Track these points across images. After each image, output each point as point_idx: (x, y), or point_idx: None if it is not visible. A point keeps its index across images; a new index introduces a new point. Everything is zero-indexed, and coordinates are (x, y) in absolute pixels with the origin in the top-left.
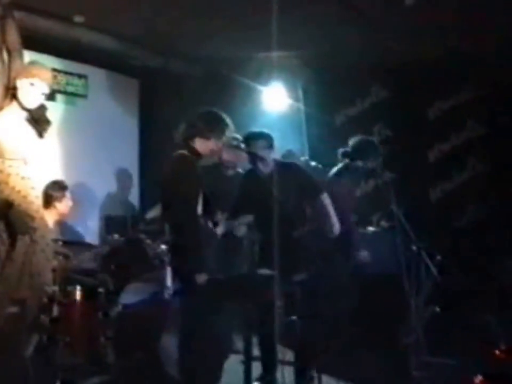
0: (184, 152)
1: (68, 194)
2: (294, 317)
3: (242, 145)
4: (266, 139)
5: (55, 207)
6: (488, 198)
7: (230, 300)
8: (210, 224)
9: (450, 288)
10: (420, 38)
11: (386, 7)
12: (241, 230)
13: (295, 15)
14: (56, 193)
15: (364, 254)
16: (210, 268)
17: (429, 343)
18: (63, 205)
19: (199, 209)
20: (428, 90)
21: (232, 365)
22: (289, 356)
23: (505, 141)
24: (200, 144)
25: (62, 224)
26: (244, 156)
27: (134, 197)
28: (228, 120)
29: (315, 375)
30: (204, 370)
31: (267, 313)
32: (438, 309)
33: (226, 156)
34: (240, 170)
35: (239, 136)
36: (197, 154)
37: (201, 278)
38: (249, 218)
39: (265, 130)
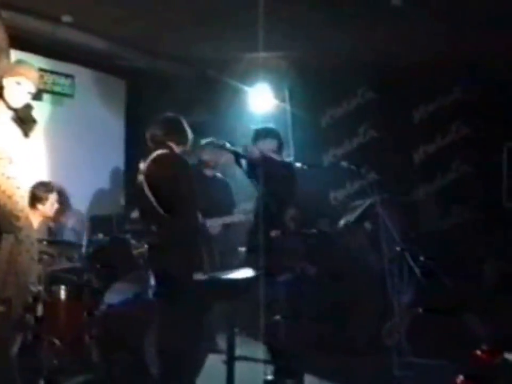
0: (168, 151)
1: (53, 196)
2: (277, 317)
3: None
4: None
5: (38, 208)
6: (472, 199)
7: (213, 300)
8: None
9: (433, 290)
10: (406, 39)
11: (373, 8)
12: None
13: (282, 16)
14: (40, 194)
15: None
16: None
17: (412, 343)
18: (47, 207)
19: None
20: (413, 92)
21: (215, 365)
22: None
23: (489, 143)
24: (175, 147)
25: (49, 224)
26: (226, 156)
27: (120, 196)
28: (187, 129)
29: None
30: (184, 369)
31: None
32: (420, 310)
33: (206, 156)
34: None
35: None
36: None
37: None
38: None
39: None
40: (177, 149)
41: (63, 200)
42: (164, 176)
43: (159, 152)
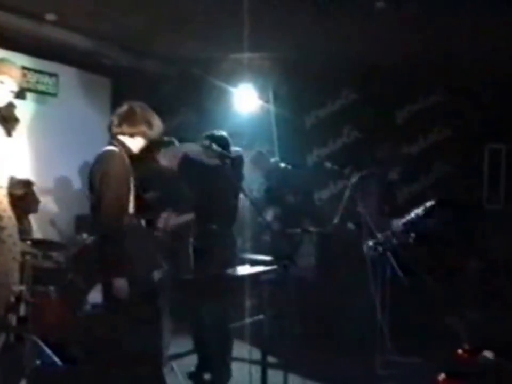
0: (113, 148)
1: (33, 191)
2: (261, 316)
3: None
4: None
5: (18, 206)
6: (453, 200)
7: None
8: (143, 223)
9: (415, 289)
10: (390, 41)
11: (357, 10)
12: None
13: (267, 17)
14: (19, 191)
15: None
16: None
17: (395, 342)
18: (28, 203)
19: (130, 207)
20: (396, 93)
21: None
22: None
23: (471, 145)
24: (128, 142)
25: (31, 223)
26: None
27: None
28: (152, 118)
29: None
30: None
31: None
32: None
33: (163, 160)
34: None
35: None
36: (128, 151)
37: (120, 283)
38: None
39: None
40: (132, 142)
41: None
42: (93, 176)
43: (102, 149)
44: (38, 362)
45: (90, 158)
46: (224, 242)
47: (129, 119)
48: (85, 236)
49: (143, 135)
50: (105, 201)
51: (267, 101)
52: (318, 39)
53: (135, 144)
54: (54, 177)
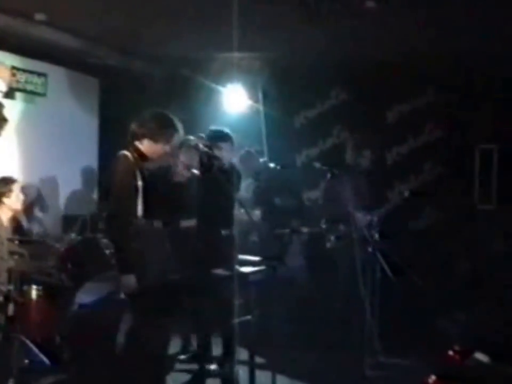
0: (126, 152)
1: (15, 188)
2: (249, 316)
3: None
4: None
5: (4, 203)
6: (444, 201)
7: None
8: (156, 225)
9: (404, 290)
10: (380, 41)
11: (347, 9)
12: None
13: (256, 17)
14: (2, 189)
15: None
16: (156, 269)
17: (384, 343)
18: (13, 200)
19: (139, 210)
20: (387, 93)
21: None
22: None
23: (462, 145)
24: (148, 146)
25: (19, 222)
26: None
27: (93, 196)
28: (179, 125)
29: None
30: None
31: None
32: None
33: (183, 157)
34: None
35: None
36: (141, 156)
37: (129, 279)
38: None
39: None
40: (151, 147)
41: (32, 194)
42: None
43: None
44: (26, 361)
45: (79, 157)
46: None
47: (165, 126)
48: (72, 235)
49: (156, 140)
50: (110, 202)
51: (256, 101)
52: (308, 39)
53: (151, 149)
54: (42, 177)
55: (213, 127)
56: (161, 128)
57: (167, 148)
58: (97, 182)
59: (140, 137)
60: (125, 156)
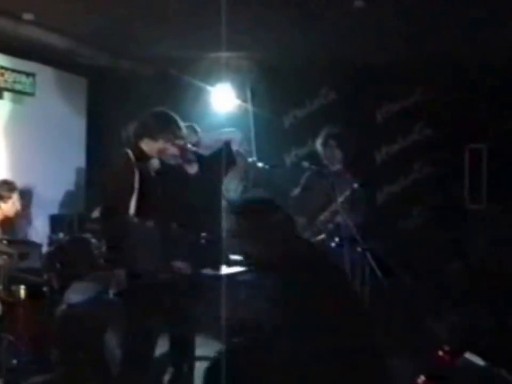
0: (127, 151)
1: (15, 196)
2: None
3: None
4: None
5: (0, 207)
6: (434, 201)
7: (173, 300)
8: (149, 225)
9: (394, 290)
10: (369, 40)
11: (335, 9)
12: None
13: (244, 16)
14: (3, 193)
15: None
16: (147, 268)
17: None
18: (8, 206)
19: (132, 209)
20: (376, 92)
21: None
22: None
23: (452, 145)
24: (148, 145)
25: (8, 223)
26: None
27: (81, 196)
28: (179, 121)
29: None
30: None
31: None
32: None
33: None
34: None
35: None
36: (142, 154)
37: (120, 274)
38: None
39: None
40: (151, 145)
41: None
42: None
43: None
44: (14, 361)
45: (67, 157)
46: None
47: (165, 123)
48: (60, 235)
49: (156, 139)
50: (105, 198)
51: (245, 101)
52: (297, 38)
53: (152, 147)
54: (31, 177)
55: None
56: (160, 126)
57: (168, 145)
58: (85, 181)
59: (140, 137)
60: (126, 154)
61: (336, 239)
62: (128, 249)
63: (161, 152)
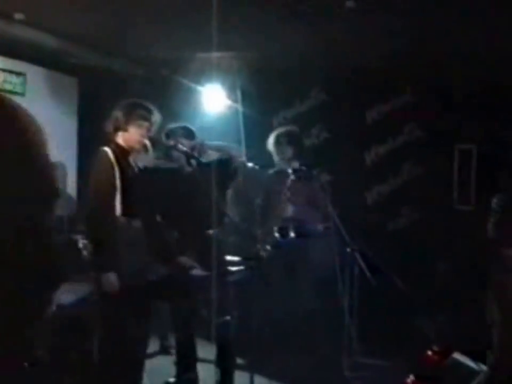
0: (106, 148)
1: None
2: (227, 317)
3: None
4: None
5: None
6: (423, 201)
7: (162, 301)
8: (135, 224)
9: (383, 290)
10: (360, 41)
11: (326, 9)
12: None
13: (235, 16)
14: None
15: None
16: (135, 268)
17: (363, 344)
18: None
19: (118, 208)
20: (366, 93)
21: (167, 366)
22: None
23: (441, 145)
24: (122, 138)
25: None
26: None
27: (72, 196)
28: (145, 104)
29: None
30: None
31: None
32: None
33: None
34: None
35: None
36: (121, 150)
37: (110, 278)
38: None
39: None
40: (125, 137)
41: None
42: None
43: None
44: None
45: (57, 157)
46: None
47: (129, 112)
48: None
49: (137, 127)
50: (89, 200)
51: (235, 101)
52: (287, 39)
53: (127, 138)
54: None
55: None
56: (126, 115)
57: (141, 131)
58: (76, 182)
59: (114, 132)
60: (104, 152)
61: (292, 234)
62: (115, 250)
63: (137, 141)
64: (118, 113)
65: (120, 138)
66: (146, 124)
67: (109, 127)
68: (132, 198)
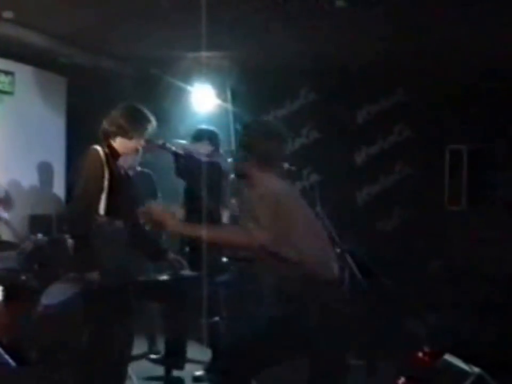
0: (97, 147)
1: None
2: (217, 318)
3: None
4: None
5: None
6: (414, 202)
7: (152, 302)
8: (119, 225)
9: (374, 291)
10: (350, 41)
11: (317, 9)
12: None
13: (225, 16)
14: None
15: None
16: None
17: (353, 345)
18: None
19: (101, 207)
20: (356, 93)
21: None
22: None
23: (432, 146)
24: (121, 144)
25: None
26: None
27: (60, 196)
28: (151, 116)
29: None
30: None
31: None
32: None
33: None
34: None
35: None
36: (113, 152)
37: (93, 276)
38: None
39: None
40: (125, 144)
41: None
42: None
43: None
44: None
45: (46, 156)
46: None
47: (138, 120)
48: (39, 236)
49: (130, 137)
50: (73, 197)
51: (225, 100)
52: (277, 38)
53: (125, 145)
54: (9, 176)
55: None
56: (133, 124)
57: (141, 142)
58: (64, 182)
59: (112, 135)
60: (95, 151)
61: None
62: (99, 250)
63: (134, 150)
64: (121, 120)
65: (118, 143)
66: (148, 134)
67: (108, 128)
68: (118, 199)
